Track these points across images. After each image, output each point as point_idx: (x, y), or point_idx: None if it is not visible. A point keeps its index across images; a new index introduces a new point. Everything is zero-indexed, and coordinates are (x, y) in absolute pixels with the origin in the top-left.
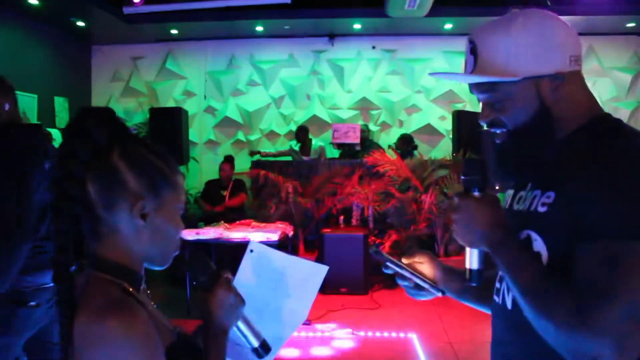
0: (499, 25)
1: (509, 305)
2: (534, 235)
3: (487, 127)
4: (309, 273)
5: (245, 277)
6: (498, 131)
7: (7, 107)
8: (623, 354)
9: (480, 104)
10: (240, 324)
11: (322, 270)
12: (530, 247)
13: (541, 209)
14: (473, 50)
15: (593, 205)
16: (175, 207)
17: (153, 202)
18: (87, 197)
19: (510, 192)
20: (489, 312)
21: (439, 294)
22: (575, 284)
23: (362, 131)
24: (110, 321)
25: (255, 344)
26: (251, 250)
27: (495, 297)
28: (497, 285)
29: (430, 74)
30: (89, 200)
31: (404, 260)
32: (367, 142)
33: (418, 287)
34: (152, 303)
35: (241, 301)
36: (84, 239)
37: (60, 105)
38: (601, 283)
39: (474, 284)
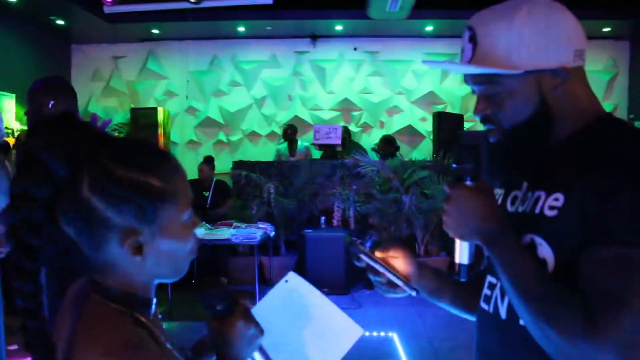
0: (502, 12)
1: (502, 314)
2: (539, 240)
3: (481, 121)
4: (342, 327)
5: (270, 305)
6: (492, 127)
7: (51, 104)
8: None
9: (476, 97)
10: (256, 354)
11: (357, 331)
12: (535, 253)
13: (549, 213)
14: (472, 38)
15: (607, 209)
16: (179, 218)
17: (148, 229)
18: (69, 239)
19: (499, 191)
20: (464, 316)
21: (413, 293)
22: (584, 289)
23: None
24: None
25: None
26: (286, 281)
27: (485, 305)
28: (487, 292)
29: (424, 62)
30: (72, 242)
31: (377, 254)
32: (348, 144)
33: (391, 283)
34: (162, 324)
35: (261, 332)
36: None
37: None
38: (612, 290)
39: (462, 279)
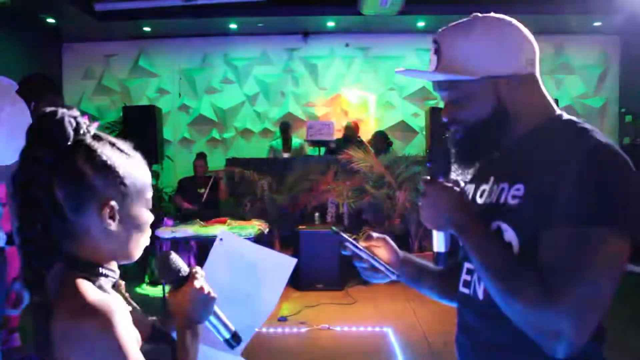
0: (460, 28)
1: (480, 296)
2: (505, 227)
3: (448, 124)
4: (277, 264)
5: (214, 265)
6: (457, 129)
7: (32, 106)
8: (579, 330)
9: (443, 102)
10: (212, 317)
11: (290, 262)
12: (502, 238)
13: (512, 202)
14: (437, 51)
15: (562, 195)
16: (143, 203)
17: (122, 203)
18: (55, 201)
19: (470, 186)
20: (442, 302)
21: (394, 277)
22: (542, 265)
23: (348, 128)
24: (88, 321)
25: (227, 335)
26: (221, 239)
27: (465, 290)
28: (467, 277)
29: (397, 71)
30: (56, 204)
31: (362, 243)
32: (356, 140)
33: (373, 268)
34: (127, 295)
35: (213, 296)
36: (55, 238)
37: None
38: (566, 264)
39: (440, 266)
